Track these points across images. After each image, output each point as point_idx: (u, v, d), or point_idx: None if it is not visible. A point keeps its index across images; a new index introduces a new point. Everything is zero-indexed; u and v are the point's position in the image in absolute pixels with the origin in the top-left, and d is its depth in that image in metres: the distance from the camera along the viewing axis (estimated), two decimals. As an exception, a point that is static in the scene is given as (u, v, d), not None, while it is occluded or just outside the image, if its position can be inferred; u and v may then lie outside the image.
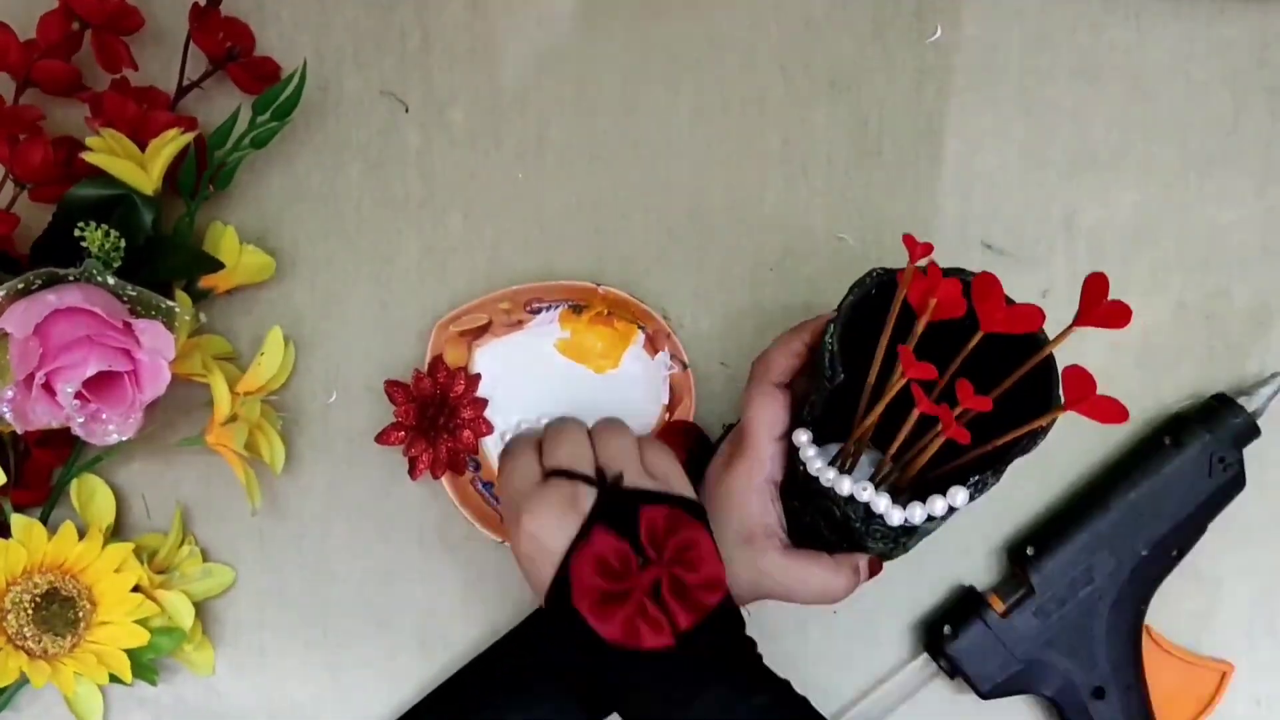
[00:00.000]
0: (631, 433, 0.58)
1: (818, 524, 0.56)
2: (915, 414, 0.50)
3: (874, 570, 0.59)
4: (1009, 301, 0.51)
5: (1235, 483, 0.64)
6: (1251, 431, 0.64)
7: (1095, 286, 0.50)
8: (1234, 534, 0.66)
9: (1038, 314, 0.51)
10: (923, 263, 0.51)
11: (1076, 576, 0.63)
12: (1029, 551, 0.63)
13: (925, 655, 0.66)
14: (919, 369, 0.49)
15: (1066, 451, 0.66)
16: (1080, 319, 0.50)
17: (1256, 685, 0.66)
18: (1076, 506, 0.65)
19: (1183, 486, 0.63)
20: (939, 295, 0.51)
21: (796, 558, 0.58)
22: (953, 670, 0.64)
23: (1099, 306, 0.50)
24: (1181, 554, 0.64)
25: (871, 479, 0.54)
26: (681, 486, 0.56)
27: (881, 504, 0.53)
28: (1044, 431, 0.51)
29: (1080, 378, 0.48)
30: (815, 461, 0.54)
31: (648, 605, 0.51)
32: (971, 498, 0.52)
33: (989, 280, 0.51)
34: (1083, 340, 0.65)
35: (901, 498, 0.53)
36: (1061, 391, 0.49)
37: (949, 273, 0.52)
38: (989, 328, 0.51)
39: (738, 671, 0.54)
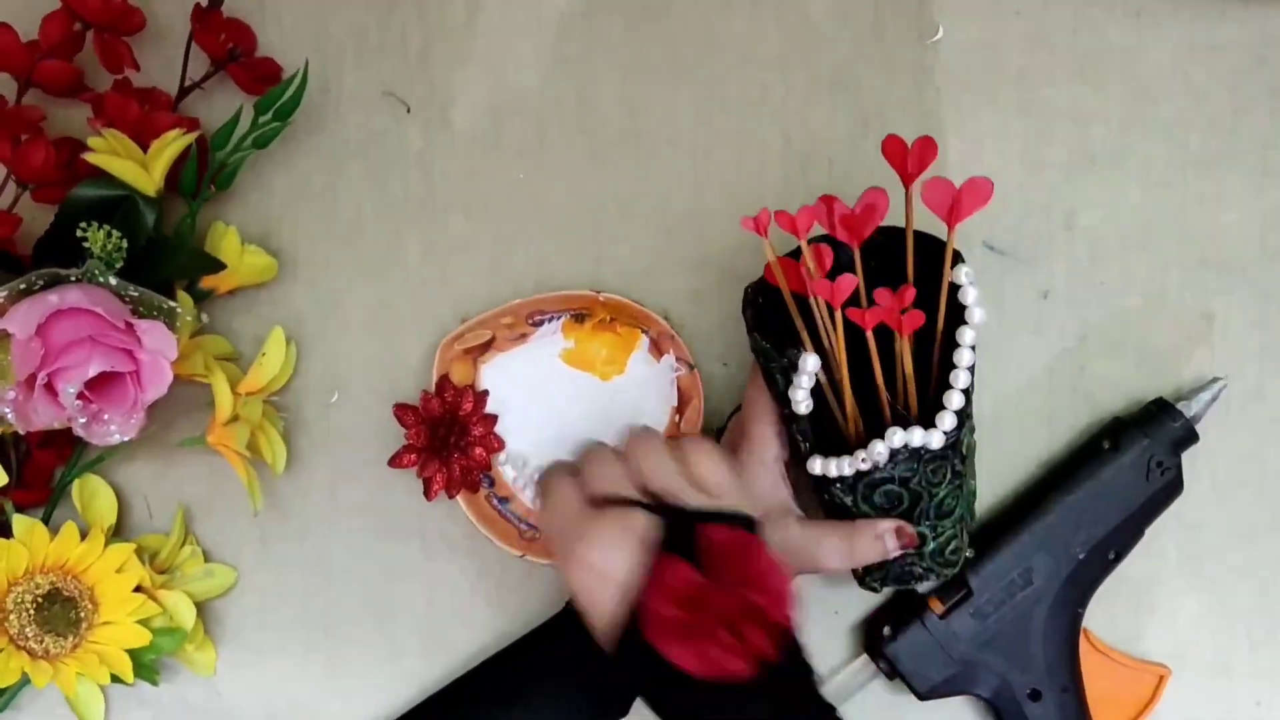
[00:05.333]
0: (666, 443, 0.55)
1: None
2: (870, 332, 0.54)
3: (906, 541, 0.58)
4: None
5: (1173, 487, 0.63)
6: (1190, 437, 0.63)
7: (891, 148, 0.55)
8: (1235, 535, 0.66)
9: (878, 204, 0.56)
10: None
11: (1015, 579, 0.62)
12: (968, 553, 0.62)
13: (865, 656, 0.65)
14: (835, 287, 0.54)
15: (1007, 454, 0.66)
16: (906, 181, 0.55)
17: (1256, 688, 0.66)
18: (1015, 509, 0.64)
19: (1121, 490, 0.63)
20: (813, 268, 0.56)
21: (814, 526, 0.59)
22: (891, 671, 0.64)
23: (908, 164, 0.55)
24: (1119, 557, 0.63)
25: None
26: (730, 492, 0.54)
27: (917, 436, 0.55)
28: (961, 288, 0.56)
29: (939, 188, 0.54)
30: (869, 451, 0.56)
31: (723, 634, 0.48)
32: (965, 394, 0.56)
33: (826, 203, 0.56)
34: (1081, 342, 0.66)
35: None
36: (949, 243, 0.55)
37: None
38: (853, 240, 0.56)
39: (812, 699, 0.52)
